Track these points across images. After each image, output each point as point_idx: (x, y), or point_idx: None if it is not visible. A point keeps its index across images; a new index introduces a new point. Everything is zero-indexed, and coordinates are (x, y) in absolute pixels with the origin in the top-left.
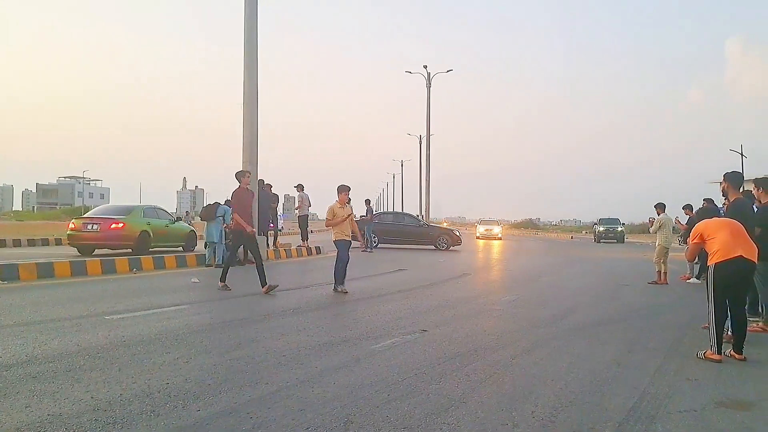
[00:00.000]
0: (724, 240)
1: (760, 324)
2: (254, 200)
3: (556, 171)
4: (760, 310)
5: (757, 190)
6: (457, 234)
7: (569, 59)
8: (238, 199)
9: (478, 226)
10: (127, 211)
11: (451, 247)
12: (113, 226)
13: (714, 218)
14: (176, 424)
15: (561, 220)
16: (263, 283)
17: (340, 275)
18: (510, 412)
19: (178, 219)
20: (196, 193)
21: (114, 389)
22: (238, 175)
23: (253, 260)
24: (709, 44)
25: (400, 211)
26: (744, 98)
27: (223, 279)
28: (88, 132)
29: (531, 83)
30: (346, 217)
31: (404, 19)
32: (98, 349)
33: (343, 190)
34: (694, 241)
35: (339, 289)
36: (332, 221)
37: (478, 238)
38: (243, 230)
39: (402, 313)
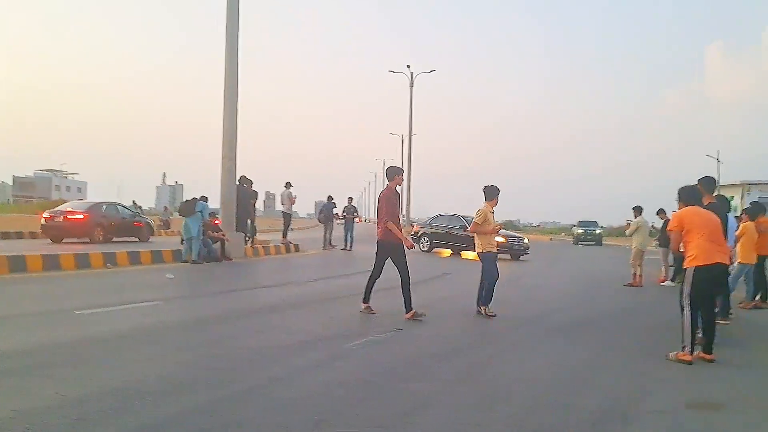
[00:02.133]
0: (702, 245)
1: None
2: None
3: (536, 172)
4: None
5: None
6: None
7: (551, 63)
8: (389, 202)
9: None
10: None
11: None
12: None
13: (695, 207)
14: (146, 422)
15: (540, 222)
16: (408, 308)
17: (488, 295)
18: (483, 412)
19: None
20: (176, 188)
21: (84, 386)
22: (390, 173)
23: (230, 258)
24: (689, 50)
25: (454, 213)
26: (721, 104)
27: (366, 299)
28: (66, 125)
29: (513, 85)
30: (499, 226)
31: (388, 19)
32: (69, 344)
33: (496, 193)
34: (674, 228)
35: (484, 311)
36: (482, 228)
37: None
38: (392, 242)
39: (378, 312)
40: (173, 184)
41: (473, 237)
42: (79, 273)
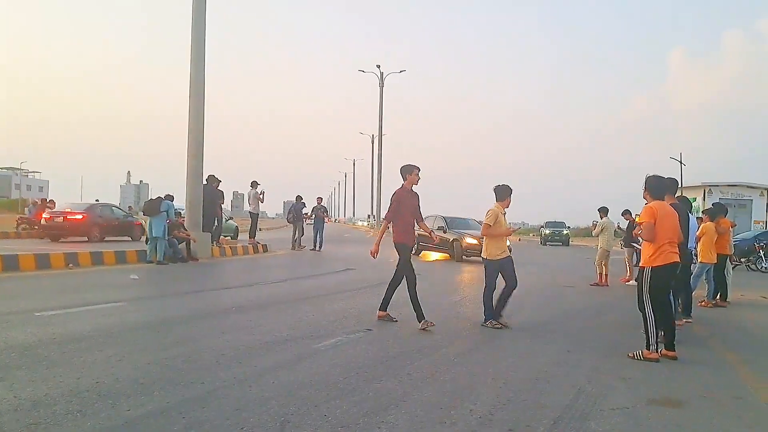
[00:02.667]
0: (660, 246)
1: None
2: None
3: (505, 174)
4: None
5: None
6: None
7: (522, 65)
8: (400, 202)
9: None
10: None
11: None
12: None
13: (662, 203)
14: (104, 425)
15: (510, 224)
16: (420, 317)
17: (500, 305)
18: (449, 410)
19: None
20: (141, 188)
21: (40, 388)
22: (404, 171)
23: (196, 258)
24: (653, 55)
25: (471, 218)
26: (684, 108)
27: (384, 308)
28: (27, 123)
29: (483, 86)
30: (513, 229)
31: (359, 18)
32: (26, 346)
33: (509, 193)
34: (647, 219)
35: (489, 325)
36: (494, 230)
37: None
38: (406, 244)
39: (347, 312)
40: (138, 183)
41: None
42: (40, 274)
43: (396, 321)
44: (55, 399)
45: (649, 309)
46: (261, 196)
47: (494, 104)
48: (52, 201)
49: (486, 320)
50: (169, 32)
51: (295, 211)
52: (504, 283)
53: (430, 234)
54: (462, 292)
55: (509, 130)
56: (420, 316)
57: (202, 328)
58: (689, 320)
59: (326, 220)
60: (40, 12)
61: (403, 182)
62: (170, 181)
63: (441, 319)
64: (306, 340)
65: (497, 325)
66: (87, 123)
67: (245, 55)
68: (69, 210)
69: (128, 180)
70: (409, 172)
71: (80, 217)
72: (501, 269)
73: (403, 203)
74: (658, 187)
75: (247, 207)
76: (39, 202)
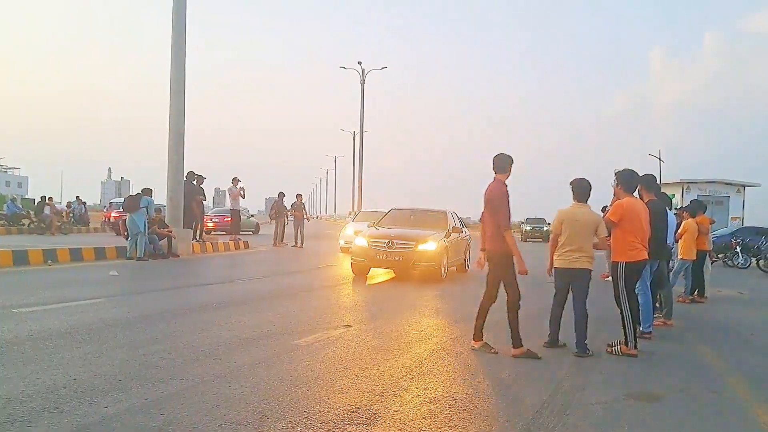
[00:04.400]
0: (631, 242)
1: (662, 319)
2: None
3: (483, 169)
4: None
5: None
6: None
7: (504, 61)
8: (504, 202)
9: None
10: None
11: None
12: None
13: (634, 199)
14: (80, 422)
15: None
16: (517, 343)
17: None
18: (429, 405)
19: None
20: (122, 184)
21: (16, 385)
22: (502, 162)
23: (177, 254)
24: (634, 53)
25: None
26: (664, 106)
27: (478, 337)
28: (5, 118)
29: (462, 82)
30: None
31: (339, 15)
32: (2, 343)
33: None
34: (614, 217)
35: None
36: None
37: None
38: (504, 253)
39: (328, 308)
40: (119, 179)
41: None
42: (18, 270)
43: (497, 353)
44: (31, 396)
45: (625, 304)
46: (242, 192)
47: (475, 101)
48: (50, 198)
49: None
50: (150, 27)
51: (277, 207)
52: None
53: (518, 254)
54: (442, 286)
55: (491, 128)
56: (517, 340)
57: (181, 324)
58: (670, 323)
59: (306, 217)
60: (19, 7)
61: (496, 175)
62: (151, 178)
63: (420, 314)
64: (285, 336)
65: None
66: (67, 119)
67: (225, 51)
68: (220, 214)
69: (109, 176)
70: (510, 163)
71: (229, 219)
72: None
73: (506, 201)
74: (630, 181)
75: (228, 203)
76: (13, 199)
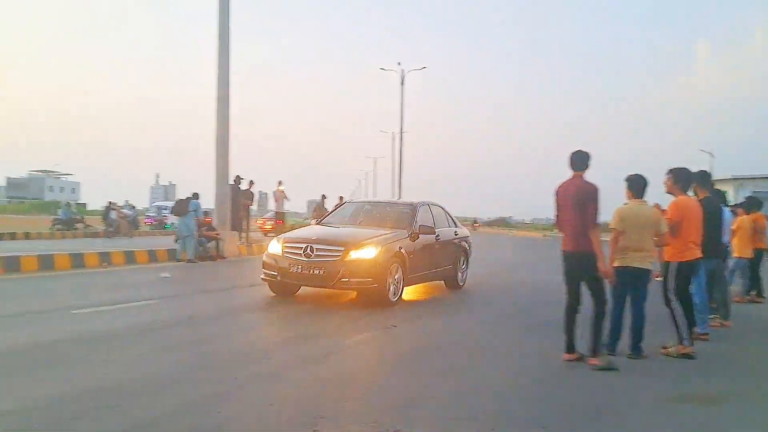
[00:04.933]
0: (686, 242)
1: (718, 319)
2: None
3: (529, 169)
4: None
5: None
6: None
7: (544, 58)
8: (596, 200)
9: None
10: None
11: None
12: None
13: (688, 198)
14: (138, 420)
15: (534, 219)
16: (598, 348)
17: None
18: (475, 407)
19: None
20: (169, 188)
21: (77, 383)
22: (581, 160)
23: (224, 256)
24: (682, 45)
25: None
26: (713, 99)
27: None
28: (60, 126)
29: (505, 81)
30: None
31: (379, 16)
32: (59, 343)
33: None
34: (674, 217)
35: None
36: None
37: None
38: (589, 254)
39: (373, 309)
40: (167, 183)
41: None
42: (76, 272)
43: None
44: (91, 394)
45: (676, 304)
46: (286, 195)
47: (516, 98)
48: (115, 203)
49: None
50: (195, 32)
51: (320, 210)
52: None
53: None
54: (488, 287)
55: (534, 122)
56: (598, 346)
57: (231, 324)
58: (727, 323)
59: None
60: (70, 17)
61: (575, 172)
62: (198, 182)
63: (464, 316)
64: (332, 336)
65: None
66: (117, 126)
67: (267, 54)
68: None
69: (157, 181)
70: (589, 160)
71: (280, 221)
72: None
73: (599, 200)
74: (685, 179)
75: (272, 206)
76: (68, 204)
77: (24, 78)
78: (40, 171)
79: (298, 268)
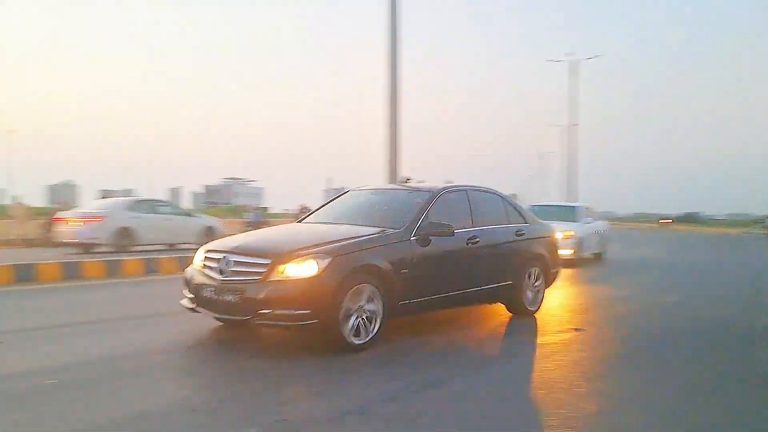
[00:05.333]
0: None
1: None
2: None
3: (716, 162)
4: None
5: None
6: None
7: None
8: None
9: None
10: None
11: None
12: None
13: None
14: None
15: (729, 214)
16: None
17: None
18: (672, 415)
19: None
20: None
21: (166, 396)
22: None
23: None
24: None
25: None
26: None
27: None
28: (248, 135)
29: (687, 68)
30: None
31: (544, 7)
32: (159, 350)
33: None
34: None
35: None
36: None
37: None
38: None
39: (558, 311)
40: (338, 187)
41: None
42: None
43: None
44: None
45: None
46: None
47: (702, 88)
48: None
49: None
50: (364, 38)
51: None
52: None
53: None
54: (680, 291)
55: (727, 112)
56: None
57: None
58: None
59: None
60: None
61: None
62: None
63: (656, 319)
64: (525, 336)
65: None
66: (290, 133)
67: (433, 53)
68: None
69: (329, 186)
70: None
71: None
72: None
73: None
74: None
75: None
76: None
77: (213, 100)
78: (230, 179)
79: (210, 292)
